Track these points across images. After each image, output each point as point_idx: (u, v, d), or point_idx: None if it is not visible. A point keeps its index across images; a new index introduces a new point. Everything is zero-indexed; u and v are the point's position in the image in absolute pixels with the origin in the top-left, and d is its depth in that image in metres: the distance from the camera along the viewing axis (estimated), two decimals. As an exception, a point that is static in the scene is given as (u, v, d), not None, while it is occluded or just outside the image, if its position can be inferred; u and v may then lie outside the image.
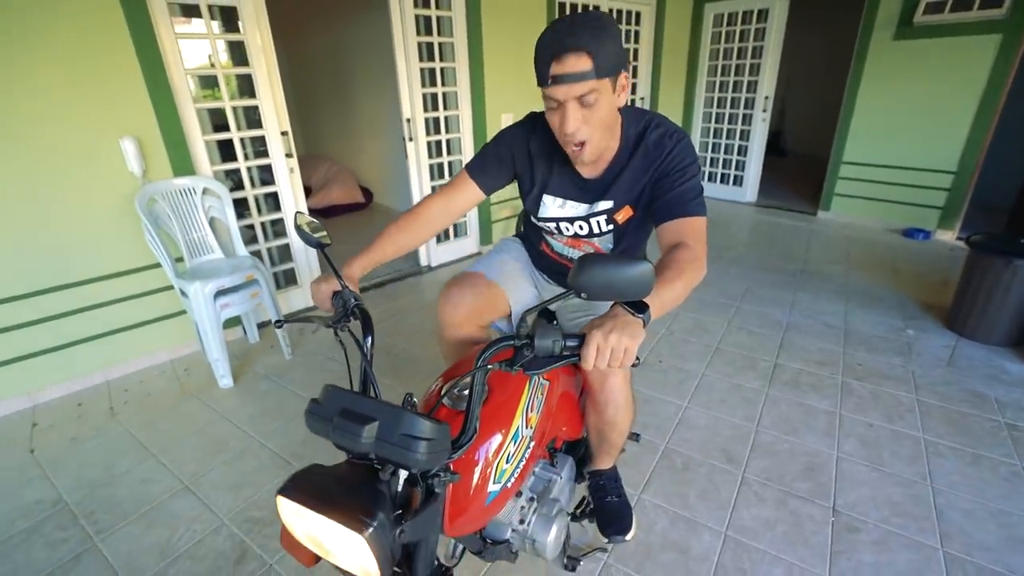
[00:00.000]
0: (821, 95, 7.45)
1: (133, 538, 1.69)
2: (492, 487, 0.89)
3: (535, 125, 1.22)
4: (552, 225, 1.27)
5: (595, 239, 1.30)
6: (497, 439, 0.90)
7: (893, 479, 1.85)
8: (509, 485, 0.93)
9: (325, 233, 1.03)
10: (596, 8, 4.52)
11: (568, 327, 1.38)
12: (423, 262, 3.99)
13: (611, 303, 0.79)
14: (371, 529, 0.61)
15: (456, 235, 4.15)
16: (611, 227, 1.21)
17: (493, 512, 0.94)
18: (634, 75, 5.24)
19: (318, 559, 0.82)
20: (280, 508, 0.68)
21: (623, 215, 1.19)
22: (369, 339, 0.89)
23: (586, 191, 1.19)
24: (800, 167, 7.19)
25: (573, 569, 1.54)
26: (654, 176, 1.11)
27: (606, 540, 1.45)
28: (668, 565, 1.55)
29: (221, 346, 2.42)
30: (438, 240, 4.01)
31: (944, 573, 1.51)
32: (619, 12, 4.79)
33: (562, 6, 4.21)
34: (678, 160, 1.09)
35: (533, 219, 1.30)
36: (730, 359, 2.63)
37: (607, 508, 1.46)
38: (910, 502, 1.75)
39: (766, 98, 5.15)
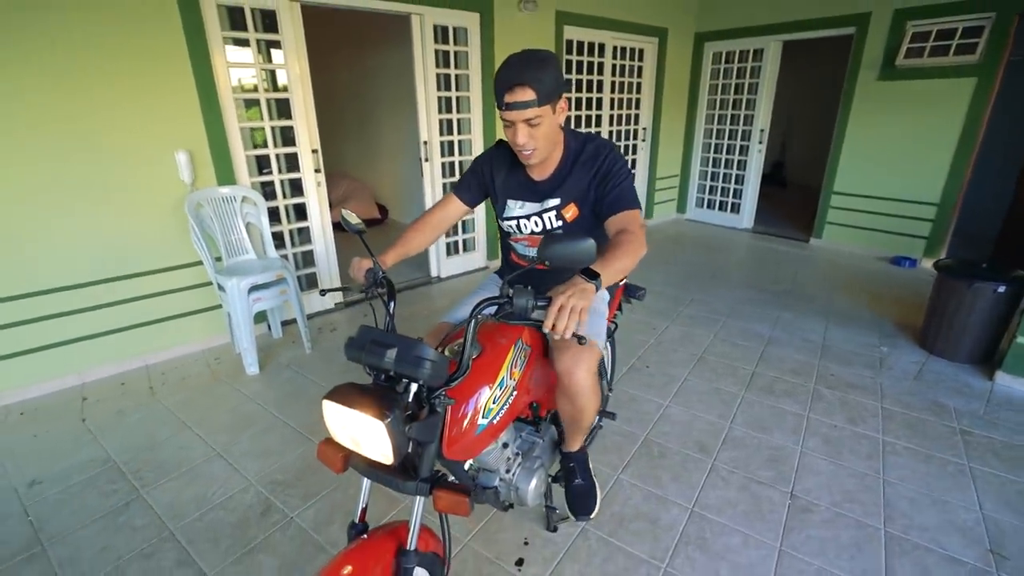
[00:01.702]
0: (820, 129, 7.76)
1: (174, 492, 1.94)
2: (481, 421, 1.14)
3: (499, 147, 1.55)
4: (514, 224, 1.54)
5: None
6: (487, 384, 1.16)
7: (849, 471, 2.06)
8: (495, 421, 1.18)
9: (362, 223, 1.32)
10: (601, 46, 4.90)
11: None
12: (433, 273, 4.28)
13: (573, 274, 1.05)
14: (389, 419, 0.87)
15: (465, 249, 4.45)
16: (560, 223, 1.48)
17: (482, 444, 1.18)
18: (636, 107, 5.59)
19: (345, 467, 1.08)
20: (324, 409, 0.94)
21: (571, 213, 1.46)
22: (392, 302, 1.18)
23: (537, 192, 1.48)
24: (799, 197, 7.46)
25: (554, 530, 1.77)
26: (595, 181, 1.40)
27: (574, 519, 1.66)
28: (639, 532, 1.77)
29: (251, 336, 2.70)
30: (448, 253, 4.31)
31: (882, 546, 1.71)
32: (623, 49, 5.17)
33: (569, 43, 4.58)
34: (613, 166, 1.39)
35: (500, 222, 1.58)
36: (712, 366, 2.86)
37: (574, 490, 1.67)
38: (861, 491, 1.96)
39: (761, 131, 5.46)
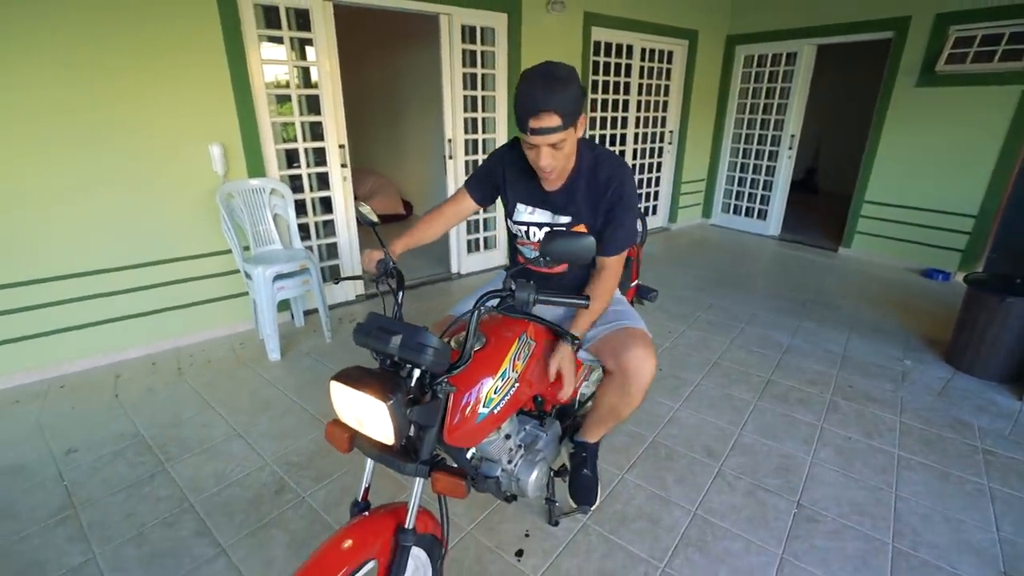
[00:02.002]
0: (855, 136, 7.55)
1: (195, 466, 2.05)
2: (482, 410, 1.18)
3: (513, 148, 1.54)
4: (523, 229, 1.57)
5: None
6: (489, 375, 1.20)
7: (860, 484, 2.02)
8: (496, 411, 1.21)
9: (376, 216, 1.37)
10: (629, 48, 4.89)
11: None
12: (453, 269, 4.35)
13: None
14: (391, 402, 0.92)
15: (485, 247, 4.50)
16: None
17: (483, 433, 1.22)
18: (663, 109, 5.55)
19: (351, 447, 1.14)
20: (332, 390, 1.00)
21: (579, 231, 1.48)
22: (401, 292, 1.23)
23: (548, 202, 1.50)
24: (830, 205, 7.27)
25: (556, 524, 1.80)
26: (601, 209, 1.43)
27: (574, 507, 1.70)
28: (639, 531, 1.78)
29: (274, 323, 2.80)
30: (468, 250, 4.37)
31: (888, 560, 1.68)
32: (652, 51, 5.14)
33: (597, 44, 4.59)
34: (620, 199, 1.41)
35: (509, 223, 1.61)
36: (726, 372, 2.83)
37: (580, 480, 1.71)
38: (871, 504, 1.92)
39: (792, 136, 5.35)
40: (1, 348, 2.53)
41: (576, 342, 1.25)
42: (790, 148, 5.41)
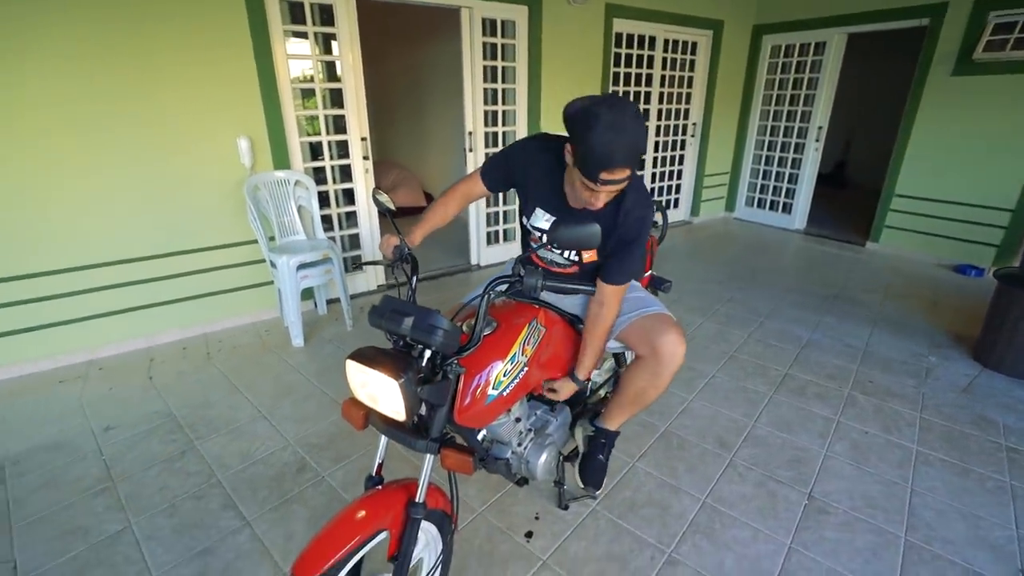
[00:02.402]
0: (887, 128, 7.33)
1: (222, 445, 2.15)
2: (491, 392, 1.22)
3: (538, 145, 1.48)
4: (539, 235, 1.56)
5: (564, 266, 1.57)
6: (499, 358, 1.24)
7: (874, 478, 2.00)
8: (505, 394, 1.26)
9: (392, 203, 1.42)
10: (652, 39, 4.84)
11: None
12: (473, 260, 4.40)
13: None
14: (402, 379, 0.97)
15: (505, 239, 4.54)
16: (577, 259, 1.50)
17: (492, 414, 1.26)
18: (687, 101, 5.49)
19: (366, 424, 1.19)
20: (347, 368, 1.05)
21: (589, 255, 1.48)
22: (415, 276, 1.28)
23: (570, 216, 1.43)
24: (860, 199, 7.06)
25: (566, 508, 1.84)
26: (619, 235, 1.38)
27: (581, 487, 1.73)
28: (648, 517, 1.81)
29: (297, 311, 2.90)
30: (488, 242, 4.41)
31: (900, 554, 1.67)
32: (675, 42, 5.08)
33: (619, 36, 4.56)
34: (635, 235, 1.37)
35: (524, 220, 1.59)
36: (742, 365, 2.82)
37: (593, 464, 1.73)
38: (885, 498, 1.91)
39: (819, 128, 5.23)
40: (47, 331, 2.69)
41: (581, 384, 1.36)
42: (817, 140, 5.28)
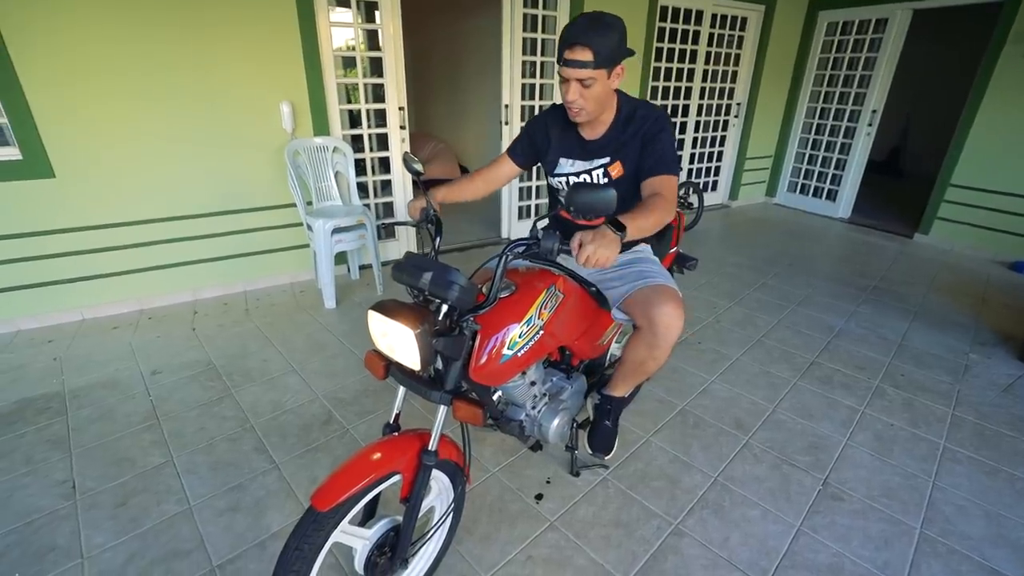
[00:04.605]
0: (951, 115, 6.89)
1: (256, 395, 2.29)
2: (506, 352, 1.27)
3: (554, 109, 1.61)
4: (564, 181, 1.60)
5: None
6: (515, 320, 1.28)
7: (895, 470, 1.97)
8: (520, 355, 1.30)
9: (421, 166, 1.46)
10: (699, 13, 4.66)
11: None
12: (504, 234, 4.43)
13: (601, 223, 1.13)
14: (419, 330, 1.02)
15: (536, 213, 4.54)
16: (606, 179, 1.53)
17: (507, 374, 1.31)
18: (732, 80, 5.29)
19: (386, 375, 1.26)
20: (369, 319, 1.11)
21: (616, 171, 1.51)
22: (439, 237, 1.33)
23: (587, 151, 1.54)
24: (914, 189, 6.70)
25: (577, 475, 1.89)
26: (640, 143, 1.44)
27: (590, 452, 1.76)
28: (658, 489, 1.84)
29: (330, 273, 3.01)
30: (519, 216, 4.43)
31: (913, 545, 1.65)
32: (723, 17, 4.88)
33: (664, 9, 4.41)
34: (659, 130, 1.42)
35: (550, 179, 1.65)
36: (768, 350, 2.78)
37: (600, 430, 1.77)
38: (904, 490, 1.87)
39: (873, 112, 4.96)
40: (104, 280, 2.89)
41: (621, 233, 1.09)
42: (870, 125, 5.02)
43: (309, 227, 3.02)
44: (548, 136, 1.62)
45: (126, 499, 1.73)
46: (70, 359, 2.53)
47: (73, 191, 2.67)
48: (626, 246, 1.53)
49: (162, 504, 1.71)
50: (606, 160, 1.52)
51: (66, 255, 2.76)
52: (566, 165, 1.60)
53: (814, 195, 5.66)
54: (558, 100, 4.14)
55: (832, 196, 5.47)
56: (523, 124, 4.06)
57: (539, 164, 1.71)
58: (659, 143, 1.41)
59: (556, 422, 1.55)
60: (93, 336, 2.75)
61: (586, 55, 1.28)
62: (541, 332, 1.35)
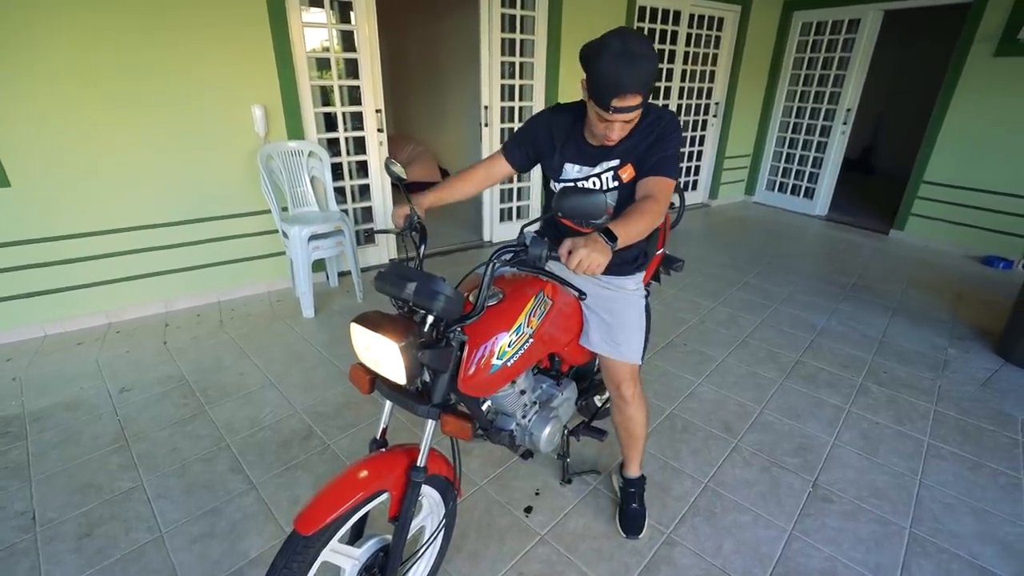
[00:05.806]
0: (921, 113, 7.06)
1: (231, 411, 2.20)
2: (495, 362, 1.22)
3: (556, 111, 1.51)
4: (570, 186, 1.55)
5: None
6: (503, 329, 1.23)
7: (882, 468, 1.97)
8: (509, 364, 1.25)
9: (404, 171, 1.40)
10: (677, 14, 4.67)
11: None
12: (485, 237, 4.38)
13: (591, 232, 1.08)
14: (404, 343, 0.97)
15: (518, 216, 4.50)
16: (616, 184, 1.47)
17: (496, 384, 1.26)
18: (710, 80, 5.32)
19: (371, 389, 1.20)
20: (352, 331, 1.06)
21: (627, 174, 1.44)
22: (423, 245, 1.29)
23: (594, 156, 1.45)
24: (887, 186, 6.85)
25: (568, 482, 1.85)
26: (648, 143, 1.36)
27: (623, 535, 1.68)
28: (648, 498, 1.80)
29: (308, 282, 2.92)
30: (501, 219, 4.38)
31: (903, 545, 1.65)
32: (701, 18, 4.90)
33: (642, 10, 4.41)
34: (668, 133, 1.35)
35: (554, 185, 1.59)
36: (753, 351, 2.78)
37: (630, 513, 1.70)
38: (892, 489, 1.88)
39: (848, 111, 5.04)
40: (68, 294, 2.75)
41: (612, 243, 1.05)
42: (845, 123, 5.10)
43: (285, 234, 2.92)
44: (552, 140, 1.51)
45: (91, 529, 1.63)
46: (31, 378, 2.40)
47: (31, 200, 2.53)
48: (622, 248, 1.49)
49: (131, 532, 1.62)
50: (615, 163, 1.47)
51: (25, 268, 2.62)
52: (572, 171, 1.50)
53: (792, 193, 5.73)
54: (538, 101, 4.15)
55: (810, 194, 5.54)
56: (511, 126, 4.08)
57: (537, 167, 1.64)
58: (667, 144, 1.35)
59: (547, 430, 1.50)
60: (56, 353, 2.61)
61: (636, 100, 1.20)
62: (531, 340, 1.31)
